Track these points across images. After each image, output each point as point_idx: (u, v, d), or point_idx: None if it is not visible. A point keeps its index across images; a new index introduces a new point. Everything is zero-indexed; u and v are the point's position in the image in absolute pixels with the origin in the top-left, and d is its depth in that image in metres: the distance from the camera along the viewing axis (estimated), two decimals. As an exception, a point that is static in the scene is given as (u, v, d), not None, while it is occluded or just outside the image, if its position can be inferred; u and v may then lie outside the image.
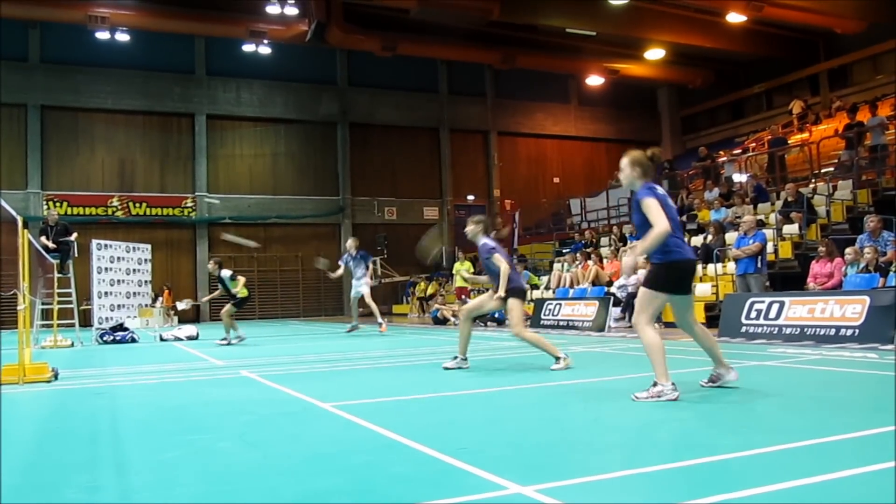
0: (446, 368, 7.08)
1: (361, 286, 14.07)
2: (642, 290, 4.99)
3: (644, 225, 4.85)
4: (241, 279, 12.73)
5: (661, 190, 4.95)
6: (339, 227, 29.07)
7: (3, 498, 2.90)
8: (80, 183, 25.71)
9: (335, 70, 29.54)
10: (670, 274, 4.89)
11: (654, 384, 4.78)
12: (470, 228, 7.40)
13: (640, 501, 2.74)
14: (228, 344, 12.10)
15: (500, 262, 7.03)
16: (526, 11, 23.57)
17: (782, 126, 23.62)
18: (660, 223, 4.70)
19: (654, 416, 4.43)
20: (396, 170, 30.21)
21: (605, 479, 2.91)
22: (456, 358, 7.18)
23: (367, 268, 14.21)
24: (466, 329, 7.24)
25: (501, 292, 6.99)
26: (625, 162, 5.01)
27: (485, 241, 7.24)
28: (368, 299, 14.01)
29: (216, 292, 13.26)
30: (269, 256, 27.27)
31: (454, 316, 18.38)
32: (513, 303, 7.01)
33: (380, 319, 13.96)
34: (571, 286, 16.34)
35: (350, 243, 14.29)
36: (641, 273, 14.37)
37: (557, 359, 6.80)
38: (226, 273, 12.57)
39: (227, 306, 12.52)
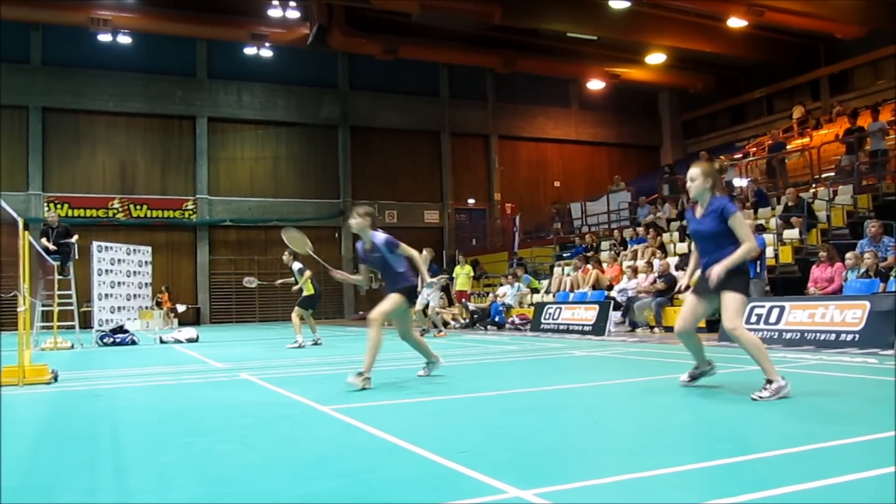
0: (351, 383, 5.95)
1: (431, 294, 14.37)
2: (736, 295, 5.06)
3: (715, 235, 5.09)
4: (308, 273, 12.27)
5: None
6: (339, 230, 29.08)
7: (2, 500, 2.90)
8: (81, 185, 25.73)
9: (336, 73, 29.57)
10: (748, 279, 5.30)
11: (770, 382, 4.89)
12: (356, 221, 6.43)
13: (640, 506, 2.73)
14: (300, 346, 11.54)
15: (410, 249, 6.44)
16: (527, 15, 23.59)
17: (783, 131, 23.64)
18: (752, 239, 5.09)
19: (654, 421, 4.44)
20: (397, 173, 30.23)
21: (604, 484, 2.91)
22: (360, 375, 6.00)
23: (436, 276, 14.45)
24: (377, 346, 6.20)
25: (427, 277, 6.50)
26: (697, 172, 5.19)
27: (379, 234, 6.47)
28: (430, 308, 14.61)
29: (291, 280, 12.79)
30: (270, 259, 27.24)
31: (454, 320, 18.37)
32: (397, 298, 6.33)
33: (440, 327, 14.72)
34: (572, 290, 16.34)
35: (424, 255, 14.39)
36: (642, 277, 14.41)
37: (428, 363, 6.67)
38: (296, 266, 12.38)
39: (296, 307, 12.31)
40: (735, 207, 5.12)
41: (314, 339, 12.21)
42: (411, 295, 6.55)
